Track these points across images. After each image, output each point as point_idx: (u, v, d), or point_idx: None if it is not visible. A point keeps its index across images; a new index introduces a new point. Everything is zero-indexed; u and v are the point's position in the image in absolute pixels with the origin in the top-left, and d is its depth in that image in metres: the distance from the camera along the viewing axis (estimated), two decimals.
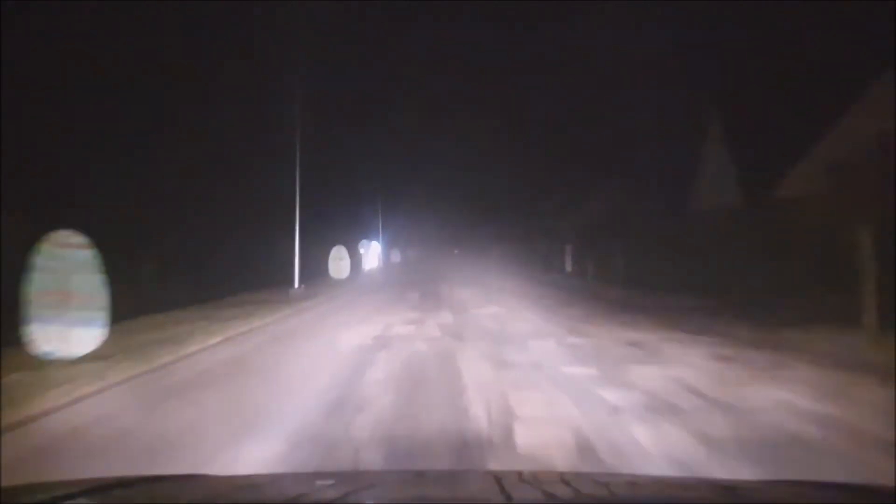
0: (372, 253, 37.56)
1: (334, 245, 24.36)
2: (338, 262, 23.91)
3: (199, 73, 23.90)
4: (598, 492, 1.58)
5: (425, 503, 1.49)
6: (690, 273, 16.52)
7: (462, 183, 63.74)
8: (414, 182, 59.03)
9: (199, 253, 23.37)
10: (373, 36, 59.77)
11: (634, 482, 1.96)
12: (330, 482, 1.80)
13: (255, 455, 3.88)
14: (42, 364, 6.46)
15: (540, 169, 47.49)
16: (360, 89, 60.89)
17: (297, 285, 16.82)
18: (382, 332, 9.77)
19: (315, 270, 24.48)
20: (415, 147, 68.96)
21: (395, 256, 49.99)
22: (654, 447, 3.96)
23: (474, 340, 8.77)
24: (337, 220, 34.49)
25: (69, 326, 6.61)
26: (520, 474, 1.73)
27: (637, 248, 20.77)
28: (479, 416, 4.74)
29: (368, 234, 39.01)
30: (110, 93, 19.91)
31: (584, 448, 3.96)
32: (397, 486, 1.73)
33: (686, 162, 26.27)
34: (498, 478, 1.63)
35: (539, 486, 1.57)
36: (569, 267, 32.01)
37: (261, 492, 1.69)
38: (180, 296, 14.39)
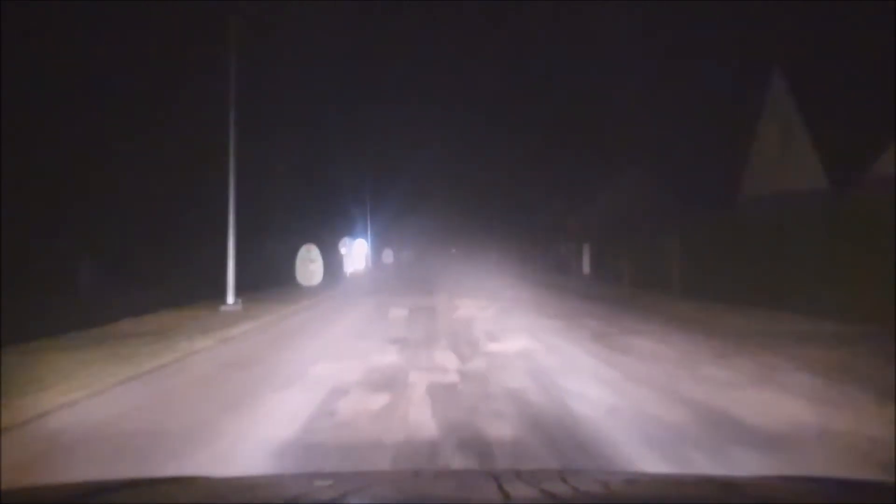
0: (357, 253, 32.34)
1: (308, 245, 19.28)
2: (307, 264, 18.69)
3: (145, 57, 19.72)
4: (596, 490, 1.51)
5: (423, 503, 1.40)
6: (771, 278, 11.68)
7: (461, 178, 58.89)
8: (410, 178, 53.89)
9: (147, 257, 19.94)
10: (370, 23, 55.13)
11: (633, 480, 1.85)
12: (328, 483, 1.73)
13: None
14: None
15: (548, 160, 42.69)
16: (354, 76, 56.13)
17: (230, 300, 11.73)
18: (313, 420, 4.74)
19: (283, 274, 19.87)
20: (410, 141, 64.41)
21: (388, 257, 44.77)
22: None
23: (514, 458, 3.77)
24: (316, 216, 29.77)
25: None
26: (518, 473, 1.65)
27: (691, 247, 15.90)
28: None
29: (354, 232, 34.03)
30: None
31: None
32: (395, 486, 1.68)
33: (734, 142, 21.53)
34: (496, 476, 1.54)
35: (537, 485, 1.47)
36: (587, 269, 27.30)
37: (259, 493, 1.61)
38: (79, 315, 10.66)
